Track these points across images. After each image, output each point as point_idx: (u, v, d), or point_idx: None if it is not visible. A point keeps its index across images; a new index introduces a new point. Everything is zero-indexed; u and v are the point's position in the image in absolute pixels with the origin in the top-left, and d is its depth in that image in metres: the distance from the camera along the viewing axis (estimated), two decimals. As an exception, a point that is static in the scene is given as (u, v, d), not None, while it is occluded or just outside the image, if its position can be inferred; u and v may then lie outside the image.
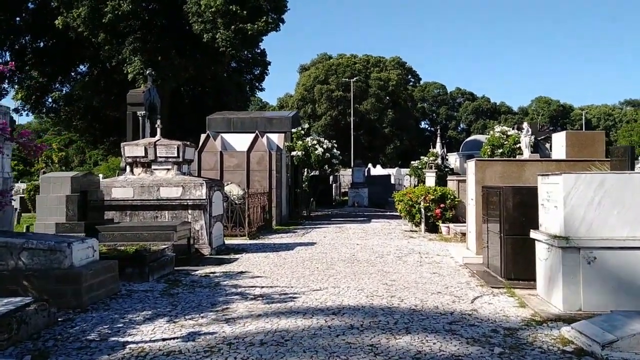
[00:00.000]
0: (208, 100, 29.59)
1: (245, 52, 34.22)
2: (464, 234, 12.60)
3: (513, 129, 18.61)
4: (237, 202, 13.68)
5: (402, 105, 60.15)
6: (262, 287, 7.21)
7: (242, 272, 8.34)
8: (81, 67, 30.67)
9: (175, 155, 10.54)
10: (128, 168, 10.80)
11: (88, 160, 62.55)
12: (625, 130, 68.31)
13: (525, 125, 15.29)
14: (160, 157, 10.60)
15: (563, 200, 6.00)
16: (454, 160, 35.37)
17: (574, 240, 5.95)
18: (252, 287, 7.21)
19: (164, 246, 8.69)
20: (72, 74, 30.40)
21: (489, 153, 17.90)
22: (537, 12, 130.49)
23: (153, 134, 13.82)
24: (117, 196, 10.38)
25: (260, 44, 33.93)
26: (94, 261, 6.82)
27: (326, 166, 20.22)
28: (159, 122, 11.15)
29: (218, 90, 30.59)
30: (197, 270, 8.69)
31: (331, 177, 31.14)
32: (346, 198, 29.86)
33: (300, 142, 18.71)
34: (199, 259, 9.77)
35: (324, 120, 56.52)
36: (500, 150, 17.58)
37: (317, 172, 21.37)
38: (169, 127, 28.74)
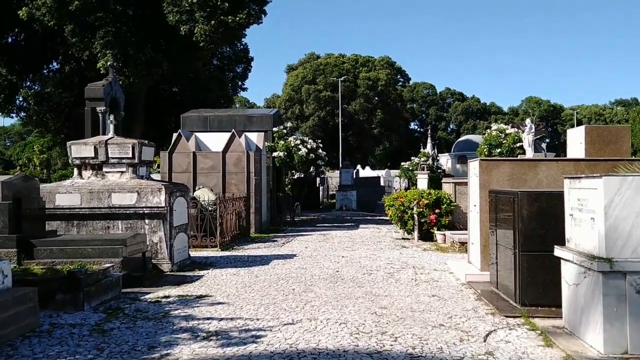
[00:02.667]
0: (187, 99, 28.04)
1: (228, 49, 32.80)
2: (462, 244, 11.24)
3: (512, 127, 17.32)
4: (209, 208, 12.21)
5: (392, 106, 58.88)
6: (221, 319, 5.75)
7: (201, 297, 6.88)
8: (53, 64, 29.02)
9: (130, 155, 9.06)
10: (76, 171, 9.30)
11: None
12: (616, 131, 67.58)
13: (527, 122, 13.95)
14: (112, 157, 9.11)
15: (603, 211, 4.64)
16: (445, 161, 34.15)
17: (619, 263, 4.58)
18: (208, 319, 5.75)
19: (108, 265, 7.21)
20: (45, 71, 28.73)
21: (486, 153, 16.59)
22: (527, 12, 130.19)
23: (116, 132, 12.35)
24: (62, 203, 8.87)
25: (243, 39, 32.56)
26: (4, 290, 5.33)
27: (312, 168, 18.80)
28: (112, 117, 9.67)
29: (198, 88, 29.04)
30: (149, 292, 7.22)
31: (318, 180, 29.74)
32: (334, 201, 28.47)
33: (282, 142, 17.26)
34: (155, 277, 8.30)
35: (312, 121, 55.10)
36: (499, 150, 16.28)
37: (301, 175, 19.91)
38: (145, 127, 27.24)
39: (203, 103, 26.23)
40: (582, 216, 5.11)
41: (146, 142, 9.49)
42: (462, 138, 39.30)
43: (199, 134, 16.60)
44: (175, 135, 15.69)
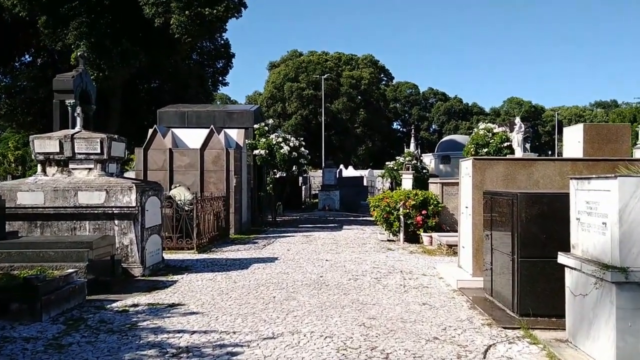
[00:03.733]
0: (166, 95, 27.23)
1: (208, 44, 32.04)
2: (450, 246, 10.82)
3: (499, 126, 17.01)
4: (186, 208, 11.59)
5: (375, 105, 58.63)
6: (193, 332, 5.19)
7: (173, 305, 6.30)
8: (26, 57, 27.99)
9: (98, 151, 8.41)
10: (39, 167, 8.62)
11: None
12: (595, 133, 68.35)
13: (517, 121, 13.65)
14: (79, 153, 8.45)
15: (618, 215, 4.20)
16: (428, 161, 33.90)
17: (635, 273, 4.15)
18: (179, 332, 5.18)
19: (71, 270, 6.59)
20: (17, 64, 27.69)
21: (473, 152, 16.27)
22: (510, 14, 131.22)
23: (87, 126, 11.66)
24: (24, 202, 8.19)
25: (224, 34, 31.83)
26: (-55, 301, 4.71)
27: (294, 167, 18.24)
28: (79, 109, 9.01)
29: (177, 83, 28.25)
30: (117, 300, 6.62)
31: (300, 179, 29.19)
32: (317, 200, 27.95)
33: (263, 140, 16.67)
34: (125, 282, 7.68)
35: (295, 119, 54.53)
36: (486, 150, 15.96)
37: (283, 174, 19.35)
38: (121, 123, 26.38)
39: (182, 99, 25.48)
40: (591, 220, 4.67)
41: (116, 136, 8.84)
42: (446, 138, 39.15)
43: (176, 130, 15.93)
44: (151, 131, 14.99)
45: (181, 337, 5.02)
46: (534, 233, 5.80)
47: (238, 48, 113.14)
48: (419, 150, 33.18)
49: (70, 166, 8.54)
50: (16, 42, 25.42)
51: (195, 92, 28.74)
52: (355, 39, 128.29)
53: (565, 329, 5.20)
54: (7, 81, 26.40)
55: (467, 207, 8.03)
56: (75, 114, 8.95)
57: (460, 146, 31.68)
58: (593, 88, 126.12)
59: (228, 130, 15.83)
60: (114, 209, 8.16)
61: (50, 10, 20.65)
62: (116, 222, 8.22)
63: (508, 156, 13.30)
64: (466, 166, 8.09)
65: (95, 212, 8.18)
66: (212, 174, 14.51)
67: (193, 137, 15.39)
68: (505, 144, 15.82)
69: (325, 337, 4.98)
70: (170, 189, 12.77)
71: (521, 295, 5.83)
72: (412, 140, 33.30)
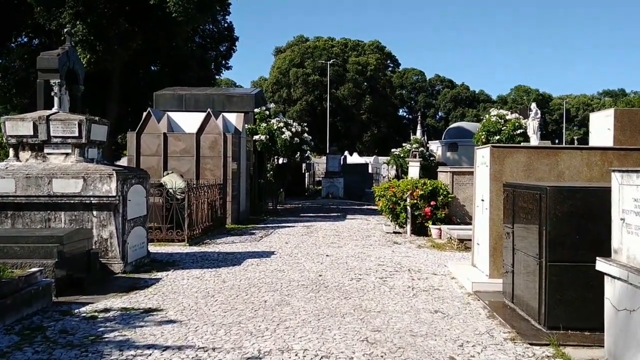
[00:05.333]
0: (166, 78, 26.37)
1: (211, 26, 31.10)
2: (462, 241, 10.02)
3: (512, 112, 16.10)
4: (178, 196, 10.82)
5: (380, 92, 57.53)
6: (166, 347, 4.42)
7: (149, 311, 5.53)
8: (23, 37, 27.16)
9: (76, 134, 7.62)
10: (12, 152, 7.84)
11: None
12: (604, 121, 67.13)
13: (533, 106, 12.71)
14: (55, 136, 7.66)
15: (684, 218, 3.37)
16: (435, 148, 32.97)
17: None
18: (149, 348, 4.42)
19: (34, 269, 5.83)
20: (13, 45, 26.87)
21: (484, 140, 15.39)
22: (517, 1, 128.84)
23: (74, 109, 10.88)
24: (-6, 190, 7.42)
25: (227, 17, 30.87)
26: None
27: (297, 153, 17.43)
28: (57, 88, 8.20)
29: (179, 67, 27.37)
30: (88, 303, 5.86)
31: (304, 166, 28.39)
32: (320, 187, 27.15)
33: (264, 125, 15.84)
34: (102, 280, 6.93)
35: (300, 105, 53.61)
36: (497, 137, 15.09)
37: (285, 160, 18.54)
38: (120, 107, 25.59)
39: (183, 82, 24.64)
40: (643, 222, 3.85)
41: (97, 118, 8.04)
42: (454, 125, 38.14)
43: (172, 114, 15.11)
44: (145, 114, 14.18)
45: (150, 354, 4.25)
46: (565, 233, 4.99)
47: (244, 33, 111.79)
48: (426, 138, 32.26)
49: (46, 151, 7.75)
50: (12, 23, 24.60)
51: (197, 76, 27.87)
52: (362, 25, 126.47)
53: (603, 346, 4.42)
54: (2, 61, 25.59)
55: (482, 200, 7.21)
56: (53, 93, 8.14)
57: (468, 133, 30.72)
58: (601, 77, 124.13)
59: (226, 115, 15.00)
60: (92, 199, 7.38)
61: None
62: (95, 213, 7.45)
63: (524, 144, 12.40)
64: (482, 154, 7.25)
65: (72, 201, 7.41)
66: (209, 160, 13.72)
67: (190, 122, 14.57)
68: (519, 131, 14.93)
69: (321, 358, 4.20)
70: (163, 176, 11.99)
71: (549, 305, 5.03)
72: (419, 127, 32.37)
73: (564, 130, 70.49)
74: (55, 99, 8.08)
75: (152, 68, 29.48)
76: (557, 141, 67.34)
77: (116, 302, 5.94)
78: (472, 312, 5.67)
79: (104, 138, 8.20)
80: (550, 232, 4.98)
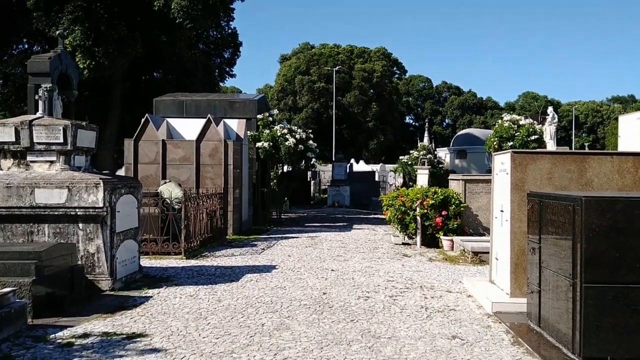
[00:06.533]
0: (169, 86, 25.95)
1: (215, 32, 30.71)
2: (476, 253, 9.39)
3: (526, 118, 15.49)
4: (176, 206, 10.27)
5: (387, 99, 56.98)
6: (145, 384, 3.84)
7: (132, 337, 4.94)
8: (24, 45, 26.90)
9: (61, 140, 7.08)
10: (-7, 159, 7.31)
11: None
12: (613, 127, 66.33)
13: (550, 110, 12.19)
14: (38, 143, 7.12)
15: None
16: (443, 155, 32.35)
17: None
18: (125, 384, 3.83)
19: (7, 289, 5.27)
20: (14, 52, 26.60)
21: (496, 146, 14.79)
22: (525, 7, 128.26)
23: (67, 115, 10.39)
24: (-27, 201, 6.89)
25: (231, 23, 30.48)
26: None
27: (303, 161, 16.87)
28: (41, 91, 7.69)
29: (181, 74, 26.96)
30: (67, 327, 5.29)
31: (309, 173, 27.85)
32: (326, 196, 26.55)
33: (267, 131, 15.29)
34: (86, 300, 6.35)
35: (305, 112, 53.14)
36: (511, 143, 14.48)
37: (289, 168, 17.97)
38: (122, 114, 25.16)
39: (188, 90, 24.21)
40: None
41: (84, 123, 7.51)
42: (462, 132, 37.52)
43: (172, 120, 14.60)
44: (142, 121, 13.66)
45: (125, 393, 3.67)
46: (604, 250, 4.37)
47: (250, 41, 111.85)
48: (433, 145, 31.67)
49: (29, 158, 7.21)
50: (13, 29, 24.33)
51: (200, 83, 27.44)
52: (368, 32, 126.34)
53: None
54: (1, 68, 25.30)
55: (502, 211, 6.59)
56: (37, 97, 7.63)
57: (477, 140, 30.10)
58: (609, 83, 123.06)
59: (228, 121, 14.47)
60: (77, 210, 6.82)
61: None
62: (80, 225, 6.89)
63: (548, 149, 11.75)
64: (502, 161, 6.64)
65: (56, 213, 6.85)
66: (209, 168, 13.17)
67: (190, 128, 14.05)
68: (533, 137, 14.31)
69: (323, 398, 3.59)
70: (161, 185, 11.45)
71: (585, 332, 4.40)
72: (426, 134, 31.79)
73: (573, 137, 69.64)
74: (40, 103, 7.57)
75: (156, 75, 29.11)
76: (567, 148, 66.48)
77: (98, 325, 5.36)
78: (494, 338, 5.04)
79: (92, 144, 7.66)
80: (586, 249, 4.37)
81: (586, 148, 57.08)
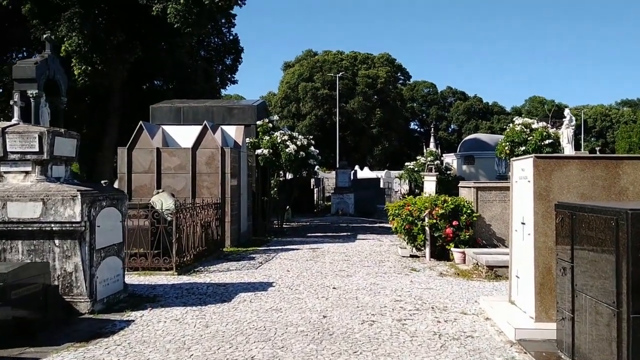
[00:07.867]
0: (170, 93, 25.46)
1: (216, 39, 30.28)
2: (491, 268, 8.69)
3: (539, 121, 14.80)
4: (168, 218, 9.63)
5: (391, 105, 56.39)
6: None
7: (102, 374, 4.29)
8: (24, 53, 26.54)
9: (37, 149, 6.46)
10: (-37, 170, 6.70)
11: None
12: (624, 131, 65.45)
13: (567, 112, 11.53)
14: (12, 152, 6.51)
15: None
16: (450, 161, 31.59)
17: None
18: None
19: (-39, 318, 4.63)
20: (14, 60, 26.23)
21: (508, 151, 14.09)
22: (531, 11, 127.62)
23: (56, 123, 9.81)
24: (-60, 216, 6.27)
25: (232, 29, 30.03)
26: None
27: (305, 169, 16.21)
28: (17, 96, 7.10)
29: (183, 81, 26.44)
30: (34, 359, 4.64)
31: (312, 181, 27.17)
32: (330, 203, 25.88)
33: (266, 138, 14.67)
34: (61, 324, 5.70)
35: (309, 119, 52.65)
36: (523, 148, 13.77)
37: (290, 176, 17.33)
38: (121, 122, 24.63)
39: (188, 97, 23.68)
40: None
41: (62, 130, 6.88)
42: (470, 137, 36.78)
43: (168, 128, 14.01)
44: (137, 128, 13.06)
45: None
46: (654, 274, 3.68)
47: (253, 50, 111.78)
48: (439, 150, 30.96)
49: (2, 169, 6.59)
50: (11, 37, 23.98)
51: (202, 90, 26.93)
52: (371, 37, 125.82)
53: None
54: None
55: (523, 224, 5.90)
56: (12, 102, 7.07)
57: (485, 145, 29.35)
58: (619, 86, 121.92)
59: (226, 127, 13.87)
60: (52, 225, 6.19)
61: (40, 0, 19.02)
62: (56, 242, 6.26)
63: (577, 153, 11.06)
64: (522, 167, 5.96)
65: (30, 229, 6.23)
66: (206, 177, 12.54)
67: (187, 135, 13.44)
68: (547, 141, 13.59)
69: None
70: (153, 195, 10.82)
71: (632, 370, 3.71)
72: (432, 139, 31.10)
73: (582, 141, 68.73)
74: (15, 109, 7.03)
75: (156, 82, 28.64)
76: (586, 152, 65.61)
77: (67, 357, 4.71)
78: (520, 373, 4.35)
79: (72, 153, 7.03)
80: (634, 273, 3.68)
81: (597, 151, 56.11)
